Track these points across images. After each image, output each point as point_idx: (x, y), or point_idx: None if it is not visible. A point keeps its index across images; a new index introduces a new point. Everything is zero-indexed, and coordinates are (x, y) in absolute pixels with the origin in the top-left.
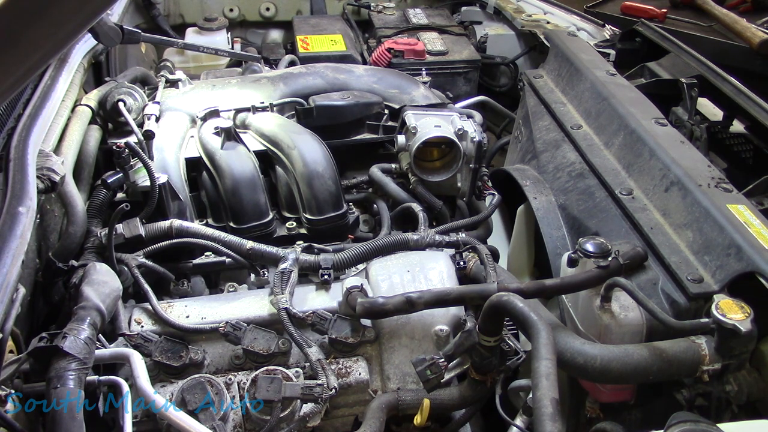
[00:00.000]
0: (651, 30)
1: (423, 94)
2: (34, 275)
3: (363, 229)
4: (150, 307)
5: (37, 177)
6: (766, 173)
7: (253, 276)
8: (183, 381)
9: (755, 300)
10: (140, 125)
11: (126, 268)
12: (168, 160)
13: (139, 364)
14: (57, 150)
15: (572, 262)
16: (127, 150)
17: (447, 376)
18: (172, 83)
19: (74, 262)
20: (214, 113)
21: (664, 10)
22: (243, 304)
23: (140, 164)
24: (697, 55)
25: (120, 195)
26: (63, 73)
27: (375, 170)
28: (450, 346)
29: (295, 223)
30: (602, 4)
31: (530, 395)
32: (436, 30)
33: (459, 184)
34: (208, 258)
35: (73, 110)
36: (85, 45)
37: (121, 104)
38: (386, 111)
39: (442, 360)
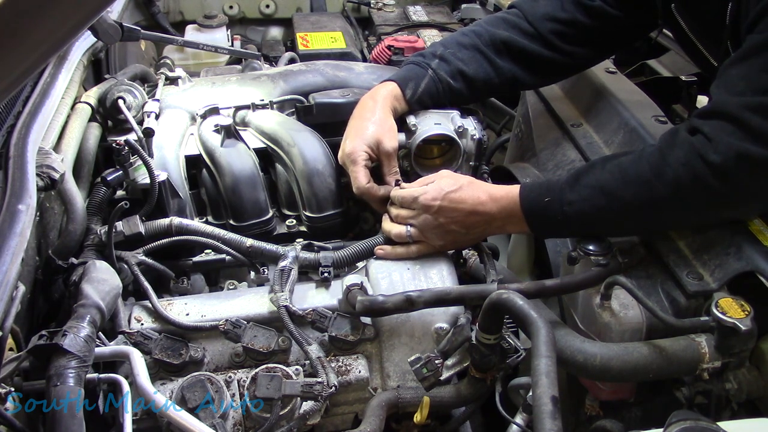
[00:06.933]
0: None
1: None
2: (33, 273)
3: (363, 227)
4: (150, 304)
5: (37, 174)
6: None
7: (252, 274)
8: (183, 379)
9: (755, 298)
10: (140, 123)
11: (126, 266)
12: (168, 157)
13: (138, 361)
14: (57, 147)
15: (572, 261)
16: (126, 147)
17: (446, 374)
18: (172, 81)
19: (74, 260)
20: (214, 111)
21: None
22: (243, 302)
23: (140, 162)
24: None
25: (120, 192)
26: (62, 70)
27: None
28: (444, 343)
29: (295, 221)
30: None
31: (530, 393)
32: (437, 27)
33: None
34: (208, 256)
35: (72, 108)
36: (84, 42)
37: (120, 102)
38: None
39: (438, 358)
